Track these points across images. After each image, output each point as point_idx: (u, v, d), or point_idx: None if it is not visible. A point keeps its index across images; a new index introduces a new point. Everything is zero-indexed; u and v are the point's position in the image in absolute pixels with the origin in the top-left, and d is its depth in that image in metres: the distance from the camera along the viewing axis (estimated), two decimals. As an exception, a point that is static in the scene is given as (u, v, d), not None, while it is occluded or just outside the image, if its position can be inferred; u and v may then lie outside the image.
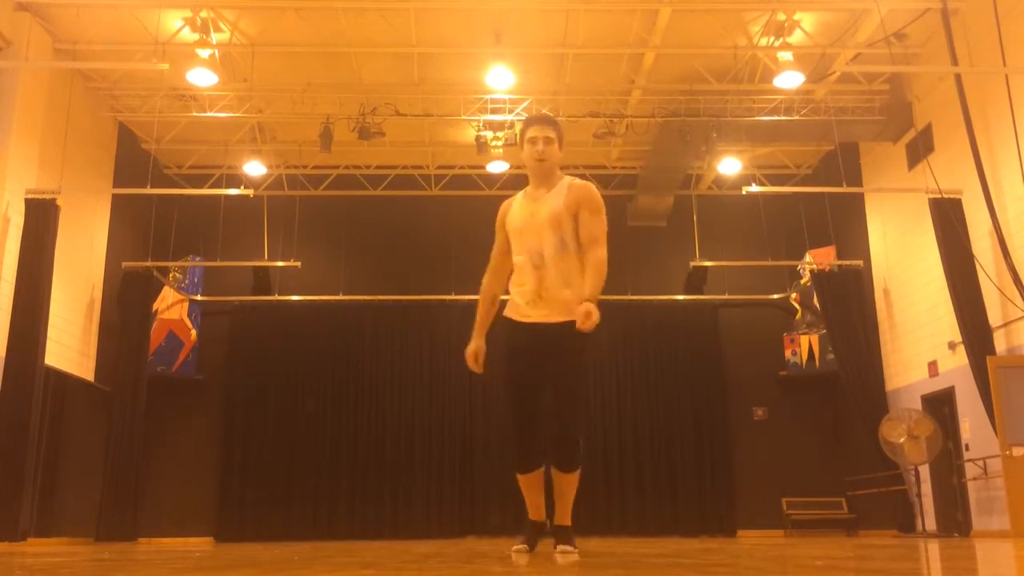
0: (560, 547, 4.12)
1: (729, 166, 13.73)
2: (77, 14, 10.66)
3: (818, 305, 13.52)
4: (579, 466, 4.13)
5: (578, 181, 4.21)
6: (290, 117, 12.84)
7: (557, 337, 3.97)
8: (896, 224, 12.71)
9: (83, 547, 9.05)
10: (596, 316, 3.74)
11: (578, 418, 4.08)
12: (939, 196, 10.71)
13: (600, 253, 4.00)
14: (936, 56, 11.13)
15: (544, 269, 4.05)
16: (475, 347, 4.32)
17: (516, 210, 4.25)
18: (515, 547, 4.24)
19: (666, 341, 14.25)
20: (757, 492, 13.63)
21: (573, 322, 3.81)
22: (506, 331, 4.21)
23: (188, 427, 13.77)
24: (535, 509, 4.35)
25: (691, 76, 12.15)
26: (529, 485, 4.27)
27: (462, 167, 14.58)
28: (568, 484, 4.16)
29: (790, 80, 11.40)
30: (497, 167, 13.83)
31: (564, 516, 4.23)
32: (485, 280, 4.41)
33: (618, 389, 14.03)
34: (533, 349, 4.05)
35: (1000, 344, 10.15)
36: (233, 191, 12.24)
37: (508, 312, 4.22)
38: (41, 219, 10.47)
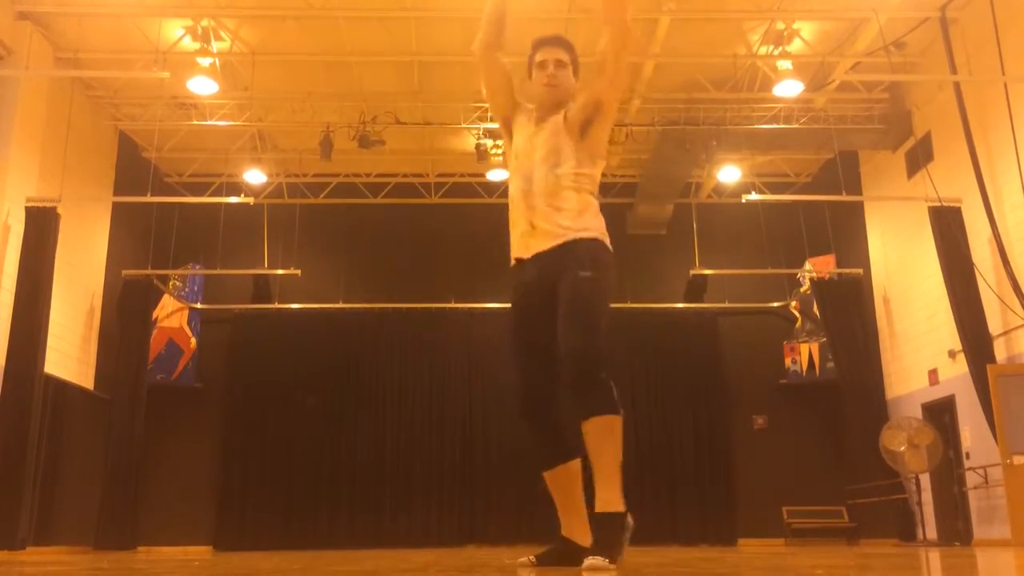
0: (589, 560, 2.91)
1: (729, 174, 13.76)
2: (78, 23, 10.70)
3: (818, 313, 13.52)
4: (611, 408, 3.13)
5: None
6: (290, 125, 12.87)
7: (557, 262, 3.32)
8: (896, 232, 12.72)
9: (82, 556, 9.03)
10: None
11: (593, 337, 3.17)
12: (939, 204, 10.72)
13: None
14: (935, 65, 11.15)
15: (532, 196, 3.42)
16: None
17: (519, 125, 3.63)
18: (520, 559, 3.47)
19: (666, 349, 14.24)
20: (757, 501, 13.61)
21: (575, 242, 3.32)
22: (511, 285, 3.51)
23: (188, 435, 13.76)
24: (567, 521, 3.40)
25: (691, 85, 12.18)
26: (556, 486, 3.40)
27: (462, 175, 14.60)
28: (599, 438, 3.08)
29: (789, 89, 11.43)
30: (497, 175, 13.84)
31: (603, 495, 3.06)
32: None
33: (618, 397, 13.99)
34: (540, 290, 3.34)
35: (1000, 352, 10.14)
36: (233, 199, 12.26)
37: (512, 257, 3.54)
38: (41, 227, 10.47)
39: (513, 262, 3.52)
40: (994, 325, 10.18)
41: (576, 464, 3.38)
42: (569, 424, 3.31)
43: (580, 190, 3.44)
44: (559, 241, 3.36)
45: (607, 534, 3.03)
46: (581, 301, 3.24)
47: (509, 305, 3.52)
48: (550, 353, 3.26)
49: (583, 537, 3.32)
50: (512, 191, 3.53)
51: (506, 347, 3.48)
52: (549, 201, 3.41)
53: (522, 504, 12.77)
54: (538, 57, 3.61)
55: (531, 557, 3.42)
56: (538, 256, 3.39)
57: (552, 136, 3.50)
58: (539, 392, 3.34)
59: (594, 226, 3.43)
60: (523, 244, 3.45)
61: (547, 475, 3.41)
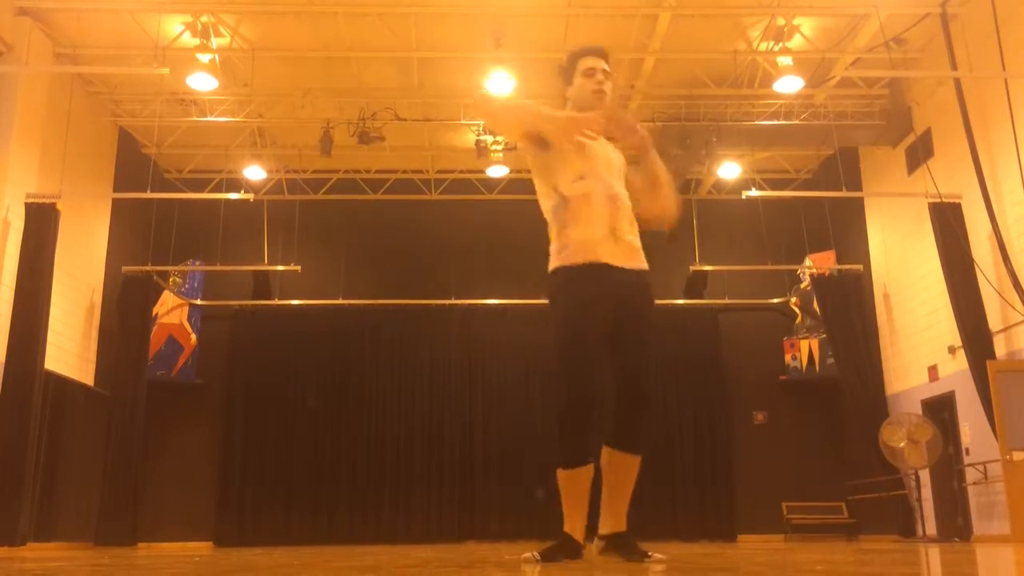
0: (657, 555, 3.38)
1: (729, 170, 13.75)
2: (78, 19, 10.68)
3: (818, 309, 13.52)
4: (645, 449, 3.43)
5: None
6: (290, 121, 12.86)
7: (636, 290, 3.42)
8: (896, 228, 12.72)
9: (82, 552, 9.04)
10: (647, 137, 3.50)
11: (651, 383, 3.44)
12: (939, 200, 10.72)
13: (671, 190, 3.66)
14: (935, 61, 11.14)
15: (619, 203, 3.44)
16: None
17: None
18: (524, 555, 3.49)
19: (666, 346, 14.17)
20: (757, 496, 13.62)
21: (647, 275, 3.45)
22: (569, 278, 3.39)
23: (188, 431, 13.77)
24: (577, 521, 3.44)
25: (691, 81, 12.17)
26: (579, 485, 3.41)
27: (462, 171, 14.59)
28: (630, 472, 3.43)
29: (790, 85, 11.42)
30: (497, 171, 13.83)
31: (620, 519, 3.46)
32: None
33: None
34: (610, 298, 3.36)
35: (1000, 348, 10.15)
36: (233, 195, 12.25)
37: (570, 258, 3.39)
38: (41, 223, 10.47)
39: (580, 258, 3.41)
40: (994, 321, 10.19)
41: (592, 468, 3.42)
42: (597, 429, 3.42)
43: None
44: (640, 266, 3.49)
45: (635, 544, 3.39)
46: (651, 352, 3.45)
47: (583, 294, 3.39)
48: (604, 354, 3.38)
49: (582, 535, 3.43)
50: (592, 190, 3.42)
51: (574, 335, 3.36)
52: (630, 219, 3.49)
53: (522, 500, 12.77)
54: (586, 64, 3.59)
55: (535, 553, 3.42)
56: (613, 270, 3.40)
57: (613, 151, 3.60)
58: (591, 401, 3.32)
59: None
60: (598, 252, 3.38)
61: (570, 473, 3.38)
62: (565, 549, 3.42)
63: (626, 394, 3.37)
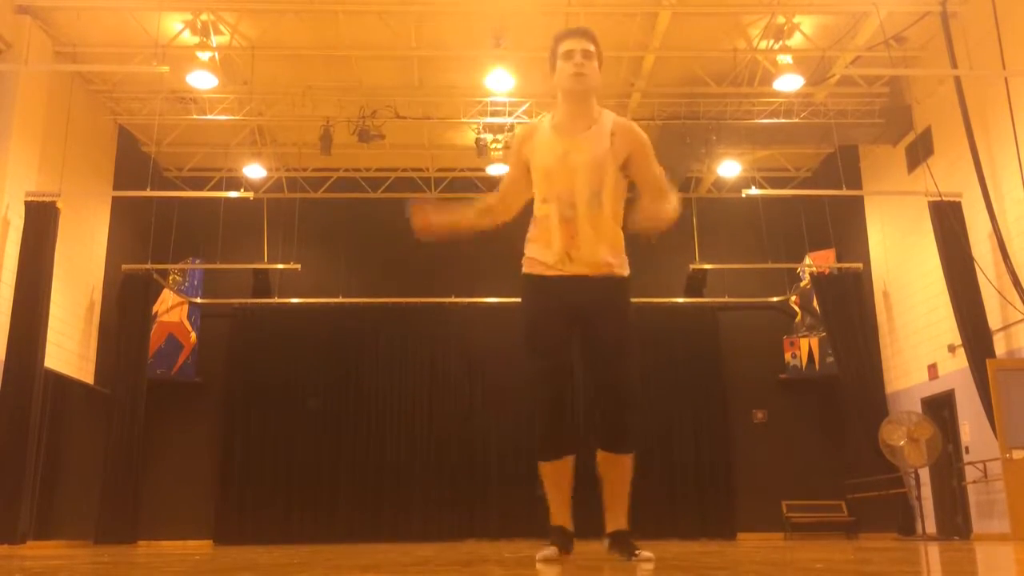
0: (644, 552, 3.45)
1: (729, 169, 13.74)
2: (77, 17, 10.67)
3: (818, 308, 13.52)
4: (634, 446, 3.51)
5: (620, 119, 3.56)
6: (290, 120, 12.85)
7: (597, 293, 3.45)
8: (896, 227, 12.72)
9: (82, 550, 9.05)
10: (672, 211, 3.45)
11: (631, 381, 3.50)
12: (939, 199, 10.71)
13: (674, 199, 3.50)
14: (935, 59, 11.14)
15: (575, 223, 3.42)
16: (441, 213, 3.62)
17: (544, 145, 3.50)
18: (542, 553, 3.47)
19: (666, 344, 14.24)
20: (757, 495, 13.63)
21: (614, 276, 3.46)
22: (528, 289, 3.54)
23: (188, 430, 13.77)
24: (561, 512, 3.58)
25: (691, 79, 12.16)
26: (558, 477, 3.54)
27: (462, 170, 14.58)
28: (622, 471, 3.52)
29: (790, 83, 11.41)
30: (497, 170, 13.83)
31: (620, 517, 3.54)
32: (487, 199, 3.71)
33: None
34: (565, 305, 3.45)
35: (1000, 347, 10.15)
36: (233, 194, 12.25)
37: (529, 268, 3.56)
38: (41, 222, 10.47)
39: (537, 271, 3.54)
40: (994, 320, 10.19)
41: (572, 461, 3.55)
42: (573, 426, 3.56)
43: (617, 221, 3.51)
44: (604, 273, 3.47)
45: (632, 543, 3.47)
46: (629, 351, 3.53)
47: (521, 317, 3.56)
48: (568, 357, 3.47)
49: (568, 522, 3.60)
50: (544, 213, 3.48)
51: (523, 354, 3.50)
52: (599, 231, 3.45)
53: (522, 498, 12.76)
54: (564, 47, 3.50)
55: (554, 549, 3.48)
56: (566, 280, 3.46)
57: (595, 166, 3.45)
58: (561, 402, 3.44)
59: (627, 264, 3.59)
60: (561, 268, 3.48)
61: (553, 465, 3.52)
62: (568, 539, 3.57)
63: (603, 396, 3.48)
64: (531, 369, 3.45)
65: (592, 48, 3.50)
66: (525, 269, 3.57)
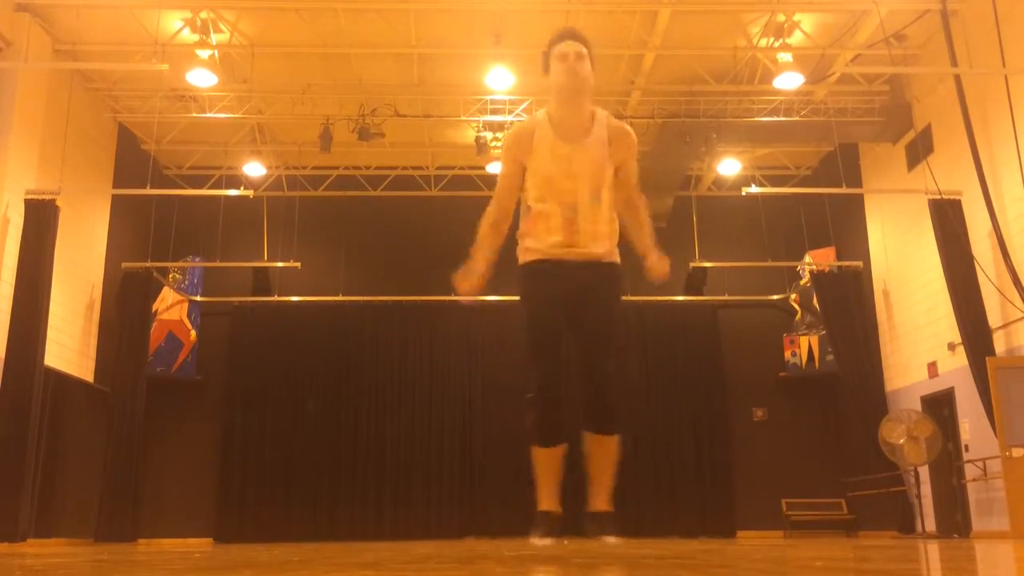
0: (612, 539, 3.59)
1: (729, 167, 13.74)
2: (77, 15, 10.66)
3: (817, 306, 13.52)
4: (621, 429, 3.61)
5: (614, 121, 3.72)
6: (290, 118, 12.85)
7: (591, 279, 3.58)
8: (896, 225, 12.71)
9: (82, 548, 9.05)
10: (667, 264, 3.63)
11: (621, 364, 3.60)
12: (939, 197, 10.71)
13: (643, 200, 3.75)
14: (936, 57, 11.14)
15: (577, 222, 3.57)
16: (474, 267, 3.66)
17: (544, 147, 3.61)
18: (536, 541, 3.62)
19: (666, 342, 14.24)
20: (757, 493, 13.63)
21: (608, 265, 3.60)
22: (527, 277, 3.68)
23: (187, 428, 13.77)
24: (550, 497, 3.68)
25: (691, 77, 12.16)
26: (550, 463, 3.64)
27: (462, 168, 14.58)
28: (607, 453, 3.59)
29: (790, 81, 11.40)
30: (497, 168, 13.80)
31: (603, 498, 3.63)
32: (491, 215, 3.76)
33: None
34: (562, 290, 3.57)
35: (1000, 345, 10.15)
36: (233, 192, 12.23)
37: (527, 256, 3.69)
38: (41, 220, 10.46)
39: (535, 256, 3.66)
40: (993, 318, 10.19)
41: (563, 448, 3.66)
42: (566, 412, 3.61)
43: (613, 211, 3.68)
44: (599, 258, 3.61)
45: (611, 524, 3.58)
46: (616, 339, 3.59)
47: (533, 286, 3.67)
48: (563, 341, 3.60)
49: (557, 506, 3.70)
50: (545, 210, 3.60)
51: (533, 325, 3.63)
52: (597, 222, 3.60)
53: (522, 496, 12.75)
54: (558, 50, 3.63)
55: (549, 537, 3.61)
56: (564, 264, 3.59)
57: (596, 172, 3.61)
58: (556, 387, 3.57)
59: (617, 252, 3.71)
60: (560, 253, 3.60)
61: (547, 452, 3.63)
62: (550, 524, 3.66)
63: (589, 376, 3.56)
64: (533, 352, 3.57)
65: (585, 51, 3.62)
66: (522, 259, 3.69)
